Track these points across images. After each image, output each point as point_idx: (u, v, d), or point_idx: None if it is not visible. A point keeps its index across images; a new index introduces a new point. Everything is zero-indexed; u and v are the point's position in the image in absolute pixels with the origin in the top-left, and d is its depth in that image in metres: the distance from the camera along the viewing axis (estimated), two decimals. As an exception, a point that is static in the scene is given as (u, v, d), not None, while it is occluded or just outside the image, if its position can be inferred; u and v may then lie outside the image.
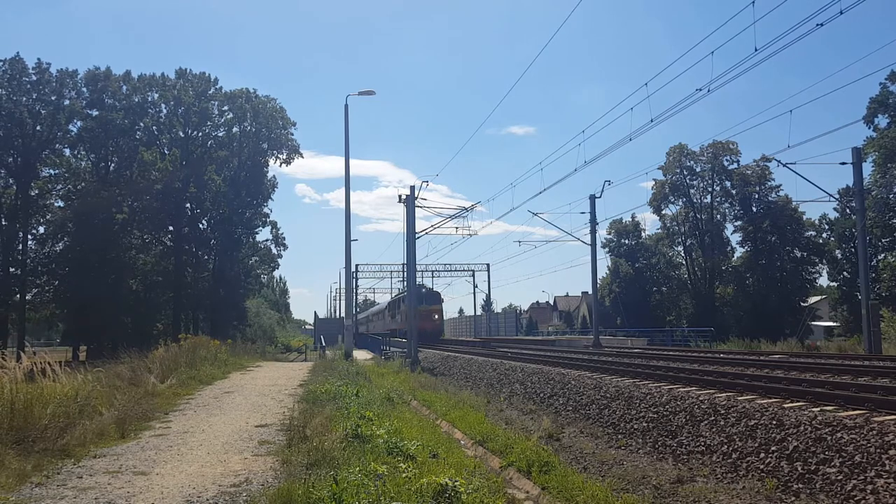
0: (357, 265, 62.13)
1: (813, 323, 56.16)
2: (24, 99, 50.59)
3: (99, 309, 45.95)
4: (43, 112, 51.21)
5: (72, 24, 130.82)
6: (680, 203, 63.01)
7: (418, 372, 23.42)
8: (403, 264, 37.43)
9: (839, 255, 56.05)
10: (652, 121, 16.28)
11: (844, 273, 55.35)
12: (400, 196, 29.64)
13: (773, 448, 7.38)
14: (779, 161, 26.68)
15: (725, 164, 60.01)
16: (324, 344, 42.25)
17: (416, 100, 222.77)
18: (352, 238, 31.55)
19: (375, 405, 12.20)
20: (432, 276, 64.52)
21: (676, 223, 64.07)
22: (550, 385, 14.54)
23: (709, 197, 61.51)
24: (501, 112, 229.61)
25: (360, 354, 36.17)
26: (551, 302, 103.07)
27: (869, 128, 47.12)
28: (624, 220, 66.95)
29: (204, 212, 56.70)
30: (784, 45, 12.17)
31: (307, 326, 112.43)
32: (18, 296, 50.82)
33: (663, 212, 63.78)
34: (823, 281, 61.61)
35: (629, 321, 55.67)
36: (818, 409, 8.03)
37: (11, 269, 50.57)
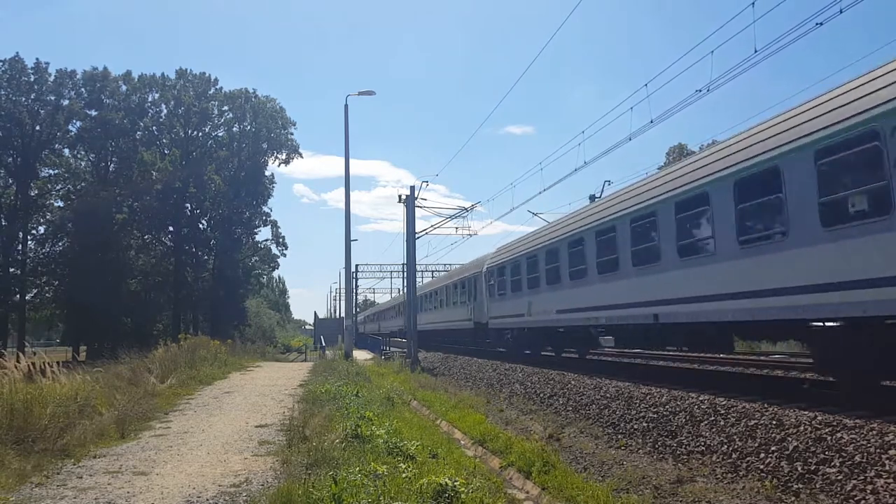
0: (357, 265, 62.00)
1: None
2: (24, 99, 50.62)
3: (99, 309, 45.97)
4: (42, 112, 51.25)
5: (71, 24, 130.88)
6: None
7: (418, 372, 23.40)
8: (403, 264, 37.40)
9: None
10: (652, 121, 15.98)
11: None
12: (400, 196, 29.61)
13: (773, 448, 7.38)
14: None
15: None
16: (324, 344, 42.24)
17: (414, 99, 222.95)
18: (351, 238, 31.55)
19: (375, 405, 12.20)
20: (432, 277, 64.51)
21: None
22: (550, 385, 14.53)
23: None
24: (499, 111, 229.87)
25: (360, 354, 36.16)
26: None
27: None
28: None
29: (204, 212, 56.71)
30: (784, 45, 12.01)
31: (307, 327, 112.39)
32: (18, 296, 50.82)
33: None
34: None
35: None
36: (818, 408, 8.02)
37: (11, 270, 50.58)
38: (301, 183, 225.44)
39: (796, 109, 9.09)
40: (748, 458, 7.52)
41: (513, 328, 21.52)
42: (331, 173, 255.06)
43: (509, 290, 20.88)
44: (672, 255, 11.46)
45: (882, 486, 5.91)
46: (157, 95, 55.27)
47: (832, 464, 6.58)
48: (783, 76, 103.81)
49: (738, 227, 9.81)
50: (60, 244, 53.34)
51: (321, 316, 77.23)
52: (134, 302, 53.43)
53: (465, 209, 31.14)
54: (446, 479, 6.18)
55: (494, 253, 24.33)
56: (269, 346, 50.26)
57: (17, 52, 51.03)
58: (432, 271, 57.90)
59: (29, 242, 52.40)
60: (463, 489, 6.13)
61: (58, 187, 54.29)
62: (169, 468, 7.74)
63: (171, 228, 55.80)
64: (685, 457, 8.40)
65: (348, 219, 31.09)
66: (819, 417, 7.41)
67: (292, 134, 58.59)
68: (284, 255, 61.71)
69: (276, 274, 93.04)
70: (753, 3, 12.28)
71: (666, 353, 20.26)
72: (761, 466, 7.25)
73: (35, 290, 52.76)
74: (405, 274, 34.10)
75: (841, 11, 10.78)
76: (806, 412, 7.74)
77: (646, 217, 12.42)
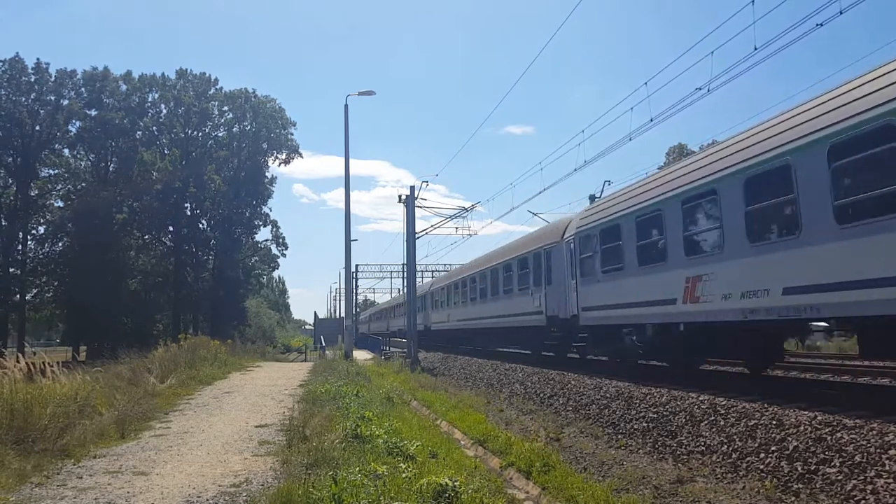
0: (357, 265, 62.01)
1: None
2: (24, 99, 50.66)
3: (98, 309, 46.00)
4: (42, 112, 51.29)
5: (71, 25, 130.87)
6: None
7: (418, 372, 23.41)
8: (403, 264, 37.43)
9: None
10: (652, 120, 15.96)
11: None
12: (400, 196, 29.66)
13: (773, 448, 7.38)
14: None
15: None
16: (324, 344, 42.29)
17: (414, 99, 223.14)
18: (351, 238, 31.55)
19: (375, 405, 12.20)
20: (432, 277, 64.45)
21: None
22: (550, 385, 14.53)
23: (709, 197, 61.23)
24: (499, 111, 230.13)
25: (360, 354, 36.17)
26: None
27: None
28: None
29: (204, 212, 56.74)
30: (784, 45, 11.97)
31: (307, 327, 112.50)
32: (18, 296, 50.84)
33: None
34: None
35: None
36: (818, 409, 8.02)
37: (11, 270, 50.62)
38: (301, 183, 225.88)
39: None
40: (748, 458, 7.52)
41: (642, 324, 13.38)
42: (331, 173, 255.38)
43: (633, 262, 13.12)
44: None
45: (882, 486, 5.91)
46: (157, 95, 55.35)
47: (832, 464, 6.58)
48: (783, 76, 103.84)
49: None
50: (60, 244, 53.39)
51: (321, 316, 77.32)
52: (134, 302, 53.44)
53: (465, 209, 31.14)
54: (446, 480, 6.18)
55: (590, 209, 16.09)
56: (269, 346, 50.29)
57: (17, 52, 51.15)
58: (432, 271, 57.96)
59: (29, 242, 52.49)
60: (463, 489, 6.12)
61: (58, 187, 54.35)
62: (169, 468, 7.73)
63: (171, 228, 55.85)
64: (685, 457, 8.40)
65: (348, 219, 31.13)
66: (819, 417, 7.41)
67: (292, 134, 58.73)
68: (284, 256, 61.82)
69: (276, 274, 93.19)
70: (753, 3, 12.29)
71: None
72: (761, 466, 7.25)
73: (35, 290, 52.81)
74: (405, 274, 34.14)
75: (841, 12, 10.78)
76: (806, 412, 7.74)
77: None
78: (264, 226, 59.08)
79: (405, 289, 34.71)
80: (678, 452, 8.61)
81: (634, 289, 13.09)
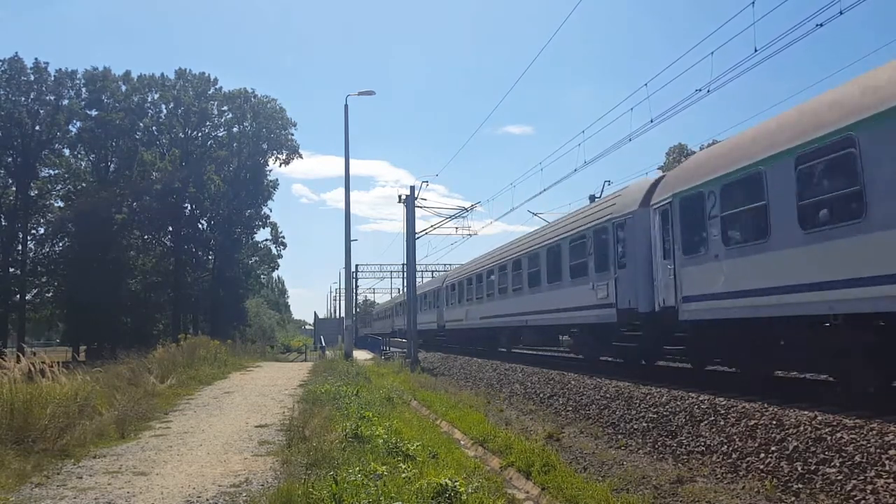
0: (357, 265, 61.98)
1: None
2: (23, 99, 50.63)
3: (98, 309, 45.98)
4: (42, 112, 51.28)
5: (71, 25, 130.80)
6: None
7: (418, 372, 23.41)
8: (403, 264, 37.44)
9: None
10: (652, 121, 15.93)
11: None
12: (400, 196, 29.67)
13: (773, 448, 7.38)
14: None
15: (725, 163, 59.71)
16: (324, 344, 42.31)
17: (413, 99, 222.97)
18: (351, 238, 31.53)
19: (375, 405, 12.21)
20: (432, 277, 64.29)
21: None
22: (550, 385, 14.53)
23: (709, 197, 61.17)
24: (498, 111, 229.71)
25: (360, 354, 36.18)
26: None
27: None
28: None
29: (203, 212, 56.74)
30: (784, 46, 11.99)
31: (307, 327, 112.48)
32: (18, 296, 50.82)
33: (664, 211, 63.04)
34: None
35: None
36: (818, 408, 8.02)
37: (11, 270, 50.61)
38: (300, 183, 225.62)
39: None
40: (748, 458, 7.52)
41: None
42: (330, 173, 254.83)
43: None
44: None
45: (882, 486, 5.91)
46: (156, 95, 55.35)
47: (832, 464, 6.58)
48: (783, 76, 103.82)
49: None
50: (60, 244, 53.37)
51: (321, 316, 77.32)
52: (134, 302, 53.45)
53: (465, 209, 31.10)
54: (446, 480, 6.18)
55: None
56: (269, 347, 50.30)
57: (17, 52, 51.14)
58: (432, 271, 57.88)
59: (29, 242, 52.46)
60: (463, 489, 6.13)
61: (58, 187, 54.31)
62: (169, 468, 7.74)
63: (170, 228, 55.84)
64: (685, 457, 8.40)
65: (348, 219, 31.10)
66: (819, 417, 7.40)
67: (293, 134, 58.65)
68: (281, 256, 61.81)
69: (275, 274, 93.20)
70: (753, 3, 12.30)
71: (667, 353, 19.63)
72: (761, 466, 7.25)
73: (35, 290, 52.79)
74: (405, 274, 34.15)
75: (841, 13, 10.78)
76: (806, 412, 7.73)
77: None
78: (264, 227, 59.19)
79: (405, 288, 34.72)
80: (678, 452, 8.61)
81: None
